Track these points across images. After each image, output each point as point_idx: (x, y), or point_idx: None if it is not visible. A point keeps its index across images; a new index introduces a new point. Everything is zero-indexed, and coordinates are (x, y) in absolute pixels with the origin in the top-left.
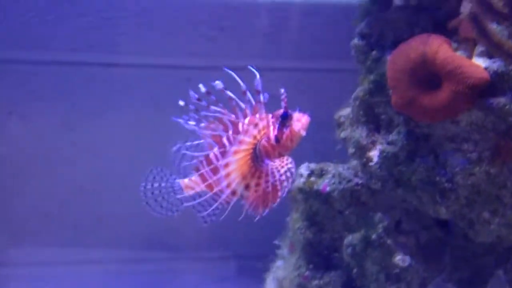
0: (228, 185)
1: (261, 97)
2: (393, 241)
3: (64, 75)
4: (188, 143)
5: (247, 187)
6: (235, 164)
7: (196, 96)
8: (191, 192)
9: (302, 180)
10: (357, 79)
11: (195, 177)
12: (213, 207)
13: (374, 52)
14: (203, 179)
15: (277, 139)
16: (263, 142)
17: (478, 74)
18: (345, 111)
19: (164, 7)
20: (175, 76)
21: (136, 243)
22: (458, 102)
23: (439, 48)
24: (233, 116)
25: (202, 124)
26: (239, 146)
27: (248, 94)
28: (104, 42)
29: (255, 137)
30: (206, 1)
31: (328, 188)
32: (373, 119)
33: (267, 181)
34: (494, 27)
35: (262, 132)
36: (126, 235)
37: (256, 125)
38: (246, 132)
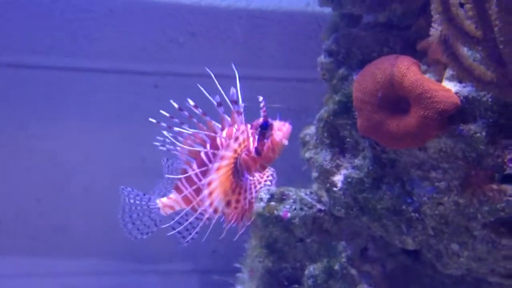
0: (211, 204)
1: (239, 107)
2: (357, 271)
3: (22, 78)
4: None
5: (228, 204)
6: (218, 181)
7: (168, 114)
8: (169, 212)
9: (262, 204)
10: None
11: (174, 196)
12: (197, 228)
13: (341, 70)
14: (183, 197)
15: (258, 151)
16: (243, 155)
17: (448, 99)
18: (311, 130)
19: (131, 9)
20: (141, 82)
21: (97, 254)
22: (427, 128)
23: (407, 70)
24: (210, 128)
25: (180, 139)
26: (221, 162)
27: (229, 104)
28: (67, 44)
29: (235, 151)
30: (176, 5)
31: (289, 214)
32: (338, 142)
33: (245, 198)
34: (465, 51)
35: (243, 145)
36: (86, 246)
37: (236, 138)
38: (227, 146)
